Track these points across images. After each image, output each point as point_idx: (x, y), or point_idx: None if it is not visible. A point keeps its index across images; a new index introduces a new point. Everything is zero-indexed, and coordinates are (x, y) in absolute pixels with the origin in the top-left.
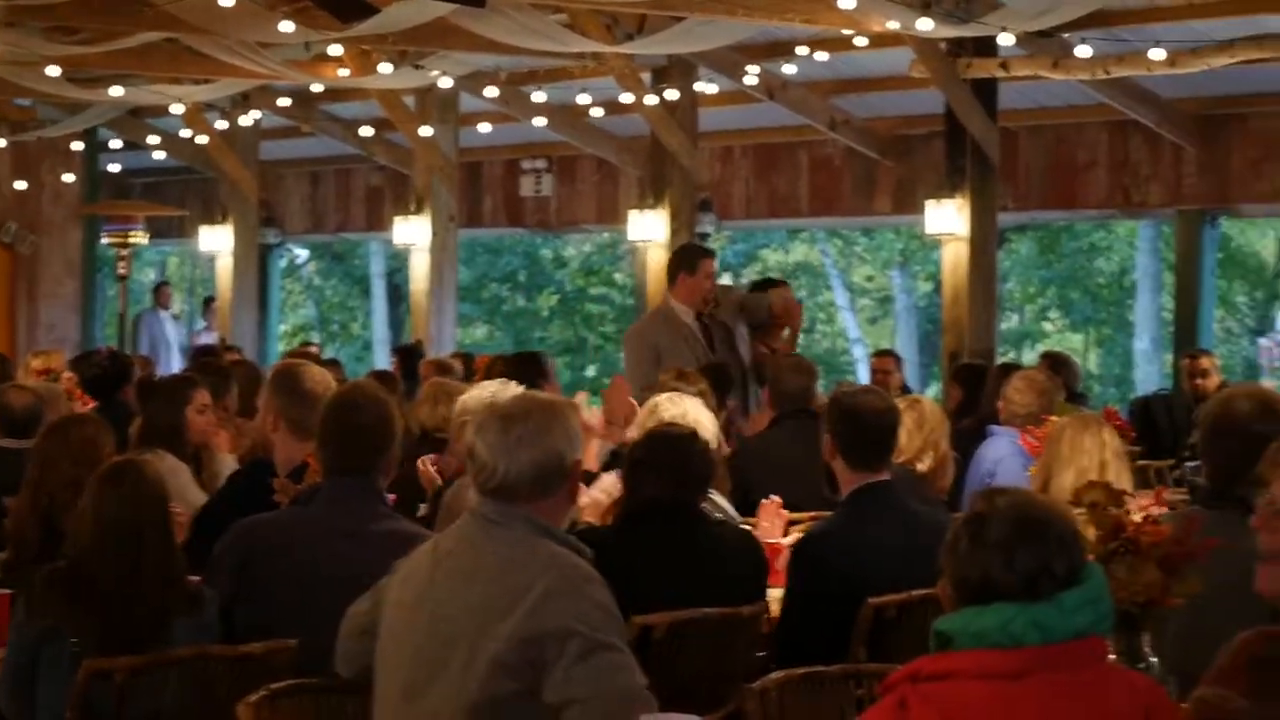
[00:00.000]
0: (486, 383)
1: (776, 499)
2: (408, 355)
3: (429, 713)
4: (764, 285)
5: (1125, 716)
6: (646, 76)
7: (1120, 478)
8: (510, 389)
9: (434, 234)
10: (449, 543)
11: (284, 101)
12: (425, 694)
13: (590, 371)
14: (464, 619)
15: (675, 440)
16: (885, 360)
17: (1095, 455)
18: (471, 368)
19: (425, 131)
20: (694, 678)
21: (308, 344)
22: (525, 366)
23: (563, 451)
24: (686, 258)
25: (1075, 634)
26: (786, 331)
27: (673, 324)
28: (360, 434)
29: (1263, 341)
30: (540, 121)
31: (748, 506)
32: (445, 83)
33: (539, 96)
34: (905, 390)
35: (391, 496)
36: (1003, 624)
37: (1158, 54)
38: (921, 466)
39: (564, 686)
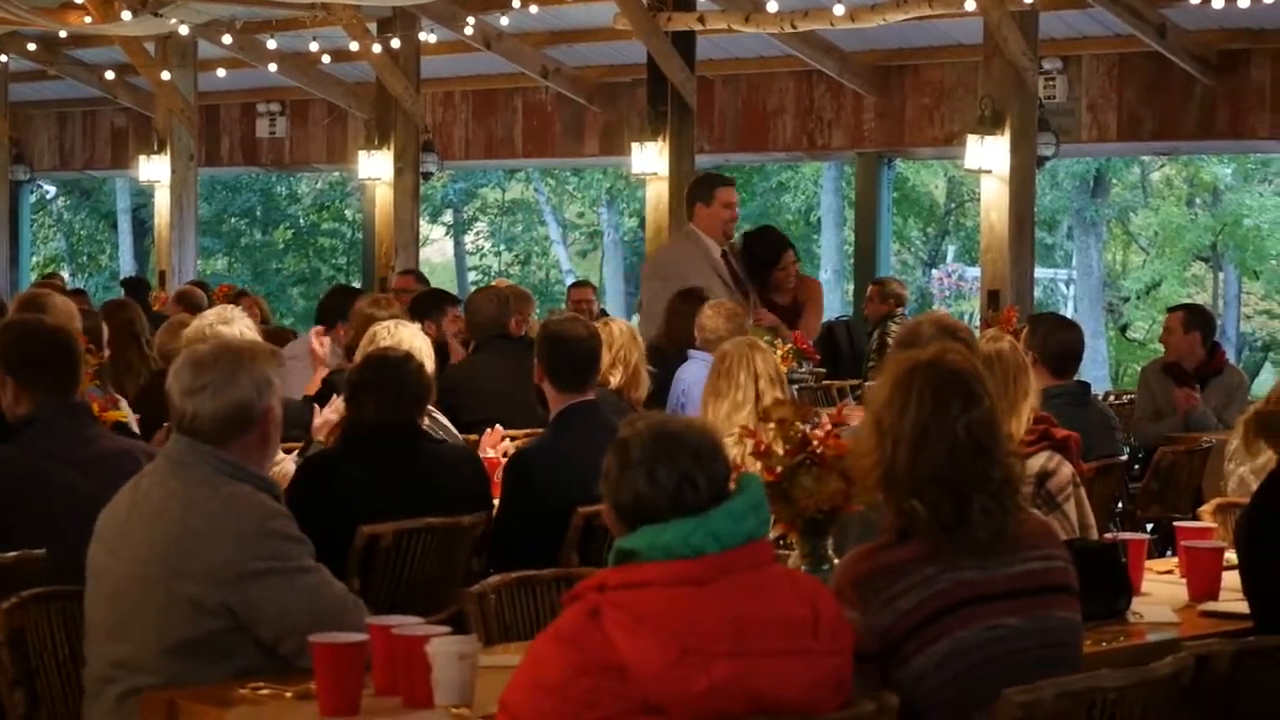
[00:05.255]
0: (207, 312)
1: (499, 428)
2: (135, 287)
3: (135, 652)
4: (768, 238)
5: (795, 609)
6: (373, 26)
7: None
8: (232, 317)
9: (175, 172)
10: (145, 482)
11: (31, 46)
12: (129, 634)
13: None
14: (155, 561)
15: (392, 362)
16: (584, 290)
17: (749, 388)
18: (211, 297)
19: (165, 76)
20: (418, 583)
21: (54, 275)
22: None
23: (248, 400)
24: (702, 188)
25: (746, 538)
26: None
27: (703, 253)
28: (49, 357)
29: (935, 273)
30: (273, 67)
31: (459, 426)
32: (183, 30)
33: (272, 44)
34: (604, 316)
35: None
36: (684, 537)
37: (839, 9)
38: (614, 381)
39: (276, 621)
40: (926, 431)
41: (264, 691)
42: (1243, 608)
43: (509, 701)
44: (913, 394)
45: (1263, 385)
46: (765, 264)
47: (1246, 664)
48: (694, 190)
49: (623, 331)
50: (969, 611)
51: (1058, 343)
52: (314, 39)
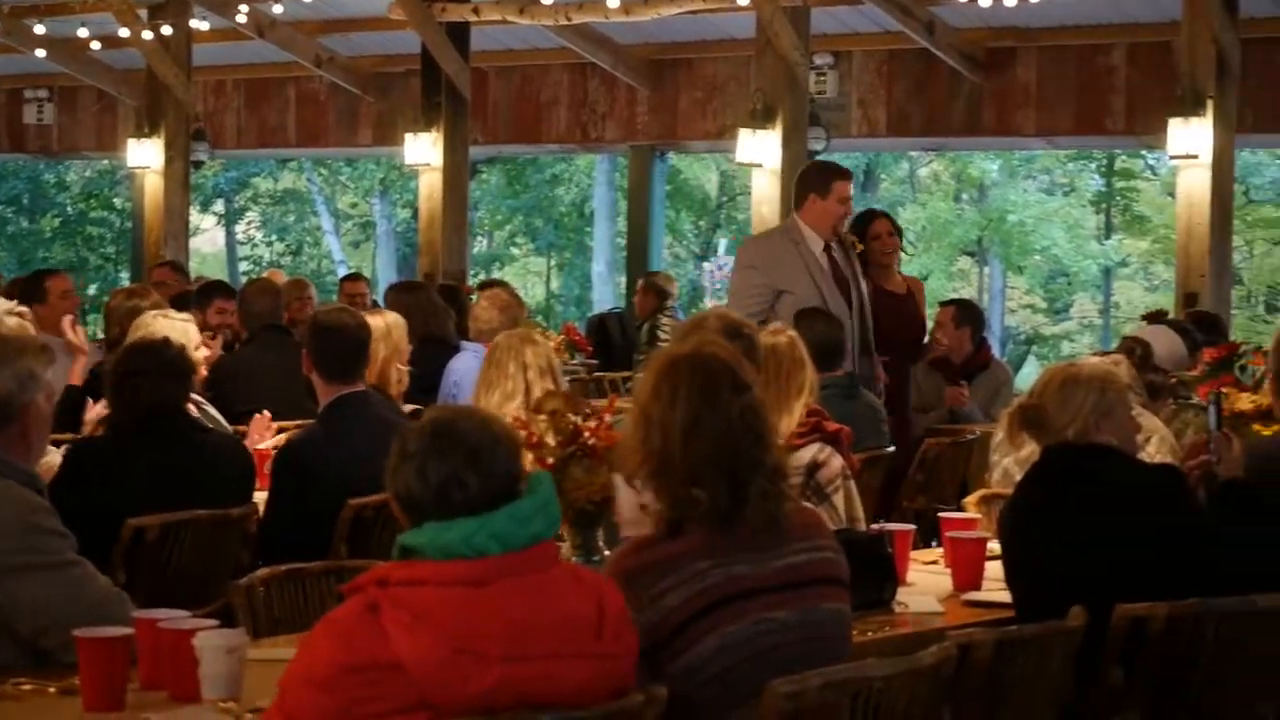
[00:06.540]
0: None
1: (266, 414)
2: None
3: None
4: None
5: (579, 610)
6: (144, 13)
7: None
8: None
9: None
10: None
11: None
12: None
13: (91, 290)
14: None
15: (150, 349)
16: (357, 284)
17: (518, 379)
18: None
19: None
20: (186, 576)
21: None
22: (27, 286)
23: (7, 393)
24: (817, 179)
25: (532, 540)
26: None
27: (798, 246)
28: None
29: (706, 265)
30: (41, 53)
31: (230, 417)
32: None
33: (40, 29)
34: (376, 308)
35: None
36: (465, 537)
37: (614, 3)
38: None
39: (37, 616)
40: (699, 418)
41: (26, 687)
42: (1005, 597)
43: (284, 688)
44: (681, 383)
45: (1026, 378)
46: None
47: (1007, 652)
48: (809, 181)
49: (375, 327)
50: (739, 606)
51: (817, 336)
52: (83, 24)
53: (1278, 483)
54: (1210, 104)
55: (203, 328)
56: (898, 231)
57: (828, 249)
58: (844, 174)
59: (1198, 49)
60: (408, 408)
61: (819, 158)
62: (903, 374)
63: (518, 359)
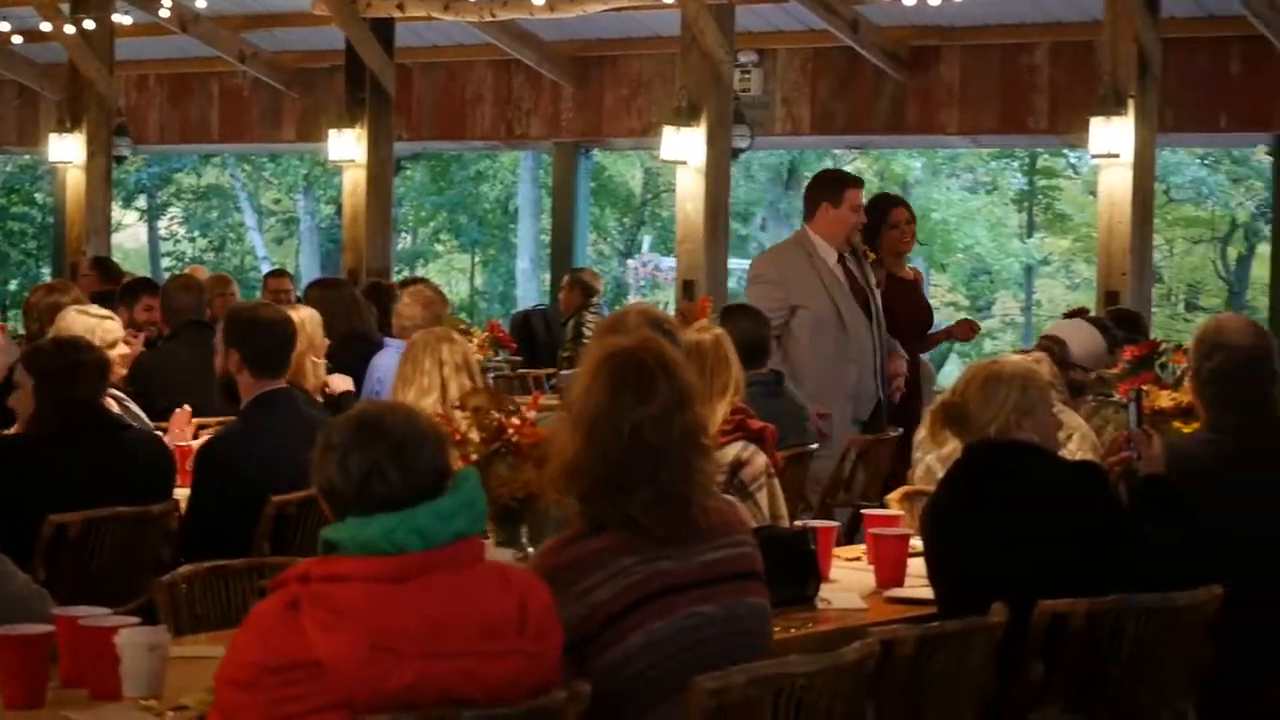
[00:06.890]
0: None
1: (187, 408)
2: None
3: None
4: (872, 203)
5: (501, 605)
6: (66, 7)
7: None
8: None
9: None
10: None
11: None
12: None
13: (12, 286)
14: None
15: (79, 343)
16: (281, 280)
17: (434, 375)
18: None
19: None
20: (107, 573)
21: None
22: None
23: None
24: (829, 187)
25: (455, 537)
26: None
27: (812, 259)
28: None
29: (630, 263)
30: None
31: (151, 413)
32: None
33: None
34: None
35: None
36: (386, 533)
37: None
38: None
39: None
40: (597, 423)
41: None
42: (928, 593)
43: (217, 685)
44: (595, 382)
45: (948, 376)
46: (873, 231)
47: (929, 648)
48: (821, 189)
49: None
50: (668, 601)
51: (743, 333)
52: (4, 18)
53: (1197, 480)
54: (1132, 103)
55: (129, 324)
56: (913, 218)
57: (842, 259)
58: (856, 182)
59: (1119, 48)
60: (337, 382)
61: (831, 167)
62: (914, 360)
63: (434, 356)
